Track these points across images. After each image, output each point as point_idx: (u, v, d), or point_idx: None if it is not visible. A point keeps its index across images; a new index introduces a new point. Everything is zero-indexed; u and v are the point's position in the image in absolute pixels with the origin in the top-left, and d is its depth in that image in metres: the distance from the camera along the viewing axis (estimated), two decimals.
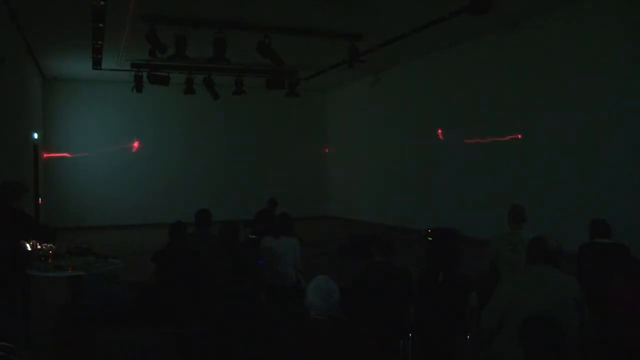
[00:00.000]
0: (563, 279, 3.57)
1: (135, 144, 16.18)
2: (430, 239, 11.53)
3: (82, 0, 8.31)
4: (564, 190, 9.36)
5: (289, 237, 5.70)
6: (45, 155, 14.98)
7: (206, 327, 3.65)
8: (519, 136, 10.44)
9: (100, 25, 9.29)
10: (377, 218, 15.16)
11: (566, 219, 8.84)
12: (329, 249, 10.55)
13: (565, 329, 2.92)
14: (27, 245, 5.07)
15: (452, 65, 12.33)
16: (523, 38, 10.26)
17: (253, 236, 8.74)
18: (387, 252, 4.36)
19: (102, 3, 8.09)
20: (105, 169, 15.69)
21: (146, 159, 16.19)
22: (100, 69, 13.14)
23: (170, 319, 4.45)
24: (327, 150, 18.56)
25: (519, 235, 5.01)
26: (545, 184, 9.76)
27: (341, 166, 17.78)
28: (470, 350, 4.17)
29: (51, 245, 5.26)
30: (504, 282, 3.89)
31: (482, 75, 11.48)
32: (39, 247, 5.12)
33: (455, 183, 12.27)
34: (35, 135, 13.14)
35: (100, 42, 10.59)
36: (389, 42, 11.10)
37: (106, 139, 15.76)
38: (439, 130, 12.88)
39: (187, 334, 4.26)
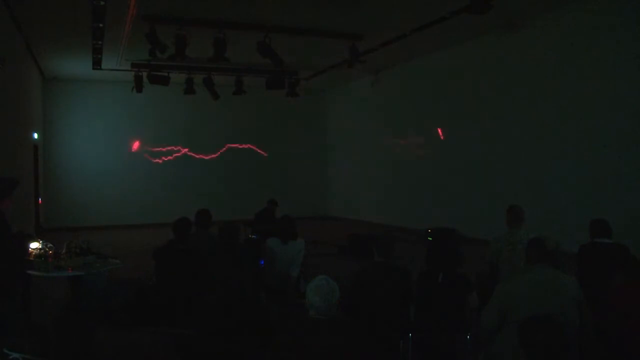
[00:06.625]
0: (563, 279, 3.57)
1: (135, 144, 16.18)
2: (430, 239, 11.53)
3: (82, 0, 8.31)
4: (564, 190, 9.36)
5: (296, 241, 5.71)
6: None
7: (205, 326, 3.66)
8: (519, 135, 10.44)
9: (100, 25, 9.28)
10: (377, 218, 15.16)
11: (566, 219, 8.85)
12: (329, 249, 10.55)
13: (565, 329, 2.92)
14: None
15: (452, 65, 12.32)
16: (523, 38, 10.26)
17: (253, 236, 8.74)
18: (387, 252, 4.36)
19: (102, 3, 8.07)
20: (105, 168, 15.66)
21: (146, 159, 16.20)
22: (100, 69, 13.12)
23: (170, 319, 4.45)
24: (327, 151, 18.55)
25: (518, 236, 5.02)
26: (545, 184, 9.76)
27: (341, 166, 17.77)
28: (470, 350, 4.16)
29: (51, 245, 5.27)
30: (504, 282, 3.90)
31: (481, 75, 11.48)
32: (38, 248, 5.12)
33: (455, 183, 12.27)
34: (35, 135, 13.14)
35: (100, 42, 10.57)
36: (389, 42, 11.10)
37: (106, 138, 15.73)
38: (439, 130, 12.89)
39: (187, 334, 4.26)
